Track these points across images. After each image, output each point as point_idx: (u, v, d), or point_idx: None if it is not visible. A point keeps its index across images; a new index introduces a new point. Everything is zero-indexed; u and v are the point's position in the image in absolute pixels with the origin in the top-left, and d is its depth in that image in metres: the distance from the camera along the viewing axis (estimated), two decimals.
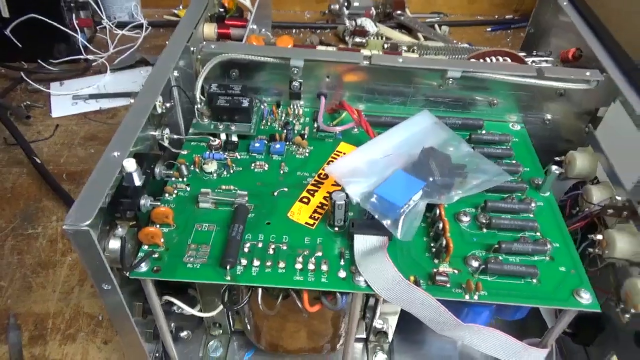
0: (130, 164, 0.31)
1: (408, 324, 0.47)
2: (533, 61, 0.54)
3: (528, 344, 0.36)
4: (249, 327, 0.43)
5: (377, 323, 0.45)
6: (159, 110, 0.39)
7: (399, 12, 1.03)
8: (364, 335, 0.47)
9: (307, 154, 0.43)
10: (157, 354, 0.42)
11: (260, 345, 0.43)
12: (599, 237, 0.39)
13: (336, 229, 0.37)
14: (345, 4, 1.00)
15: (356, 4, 1.00)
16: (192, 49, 0.46)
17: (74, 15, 0.85)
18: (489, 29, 1.07)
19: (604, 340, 0.42)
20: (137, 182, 0.32)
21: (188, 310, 0.38)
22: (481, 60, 0.50)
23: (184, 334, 0.43)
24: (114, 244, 0.31)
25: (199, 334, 0.46)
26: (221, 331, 0.46)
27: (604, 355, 0.43)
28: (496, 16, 1.11)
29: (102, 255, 0.29)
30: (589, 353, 0.45)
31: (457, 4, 1.11)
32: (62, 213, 0.59)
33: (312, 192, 0.40)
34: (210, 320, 0.45)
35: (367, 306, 0.44)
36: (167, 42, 0.93)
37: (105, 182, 0.31)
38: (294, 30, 1.01)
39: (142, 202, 0.32)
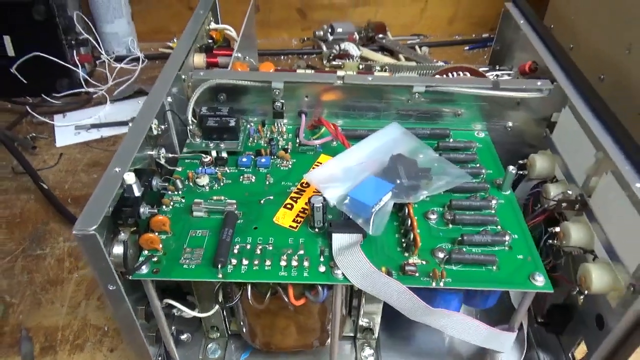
0: (130, 177, 0.36)
1: (394, 322, 0.51)
2: (496, 75, 0.59)
3: (499, 329, 0.40)
4: (244, 329, 0.46)
5: (363, 321, 0.48)
6: (155, 132, 0.44)
7: (380, 35, 1.09)
8: (352, 334, 0.51)
9: (290, 166, 0.48)
10: (159, 357, 0.45)
11: (255, 344, 0.47)
12: (557, 229, 0.43)
13: (316, 230, 0.41)
14: (330, 30, 1.07)
15: (339, 29, 1.07)
16: (183, 76, 0.51)
17: (74, 52, 0.90)
18: (467, 48, 1.13)
19: (574, 328, 0.46)
20: (137, 192, 0.36)
21: (187, 311, 0.42)
22: (444, 76, 0.55)
23: (184, 336, 0.47)
24: (118, 249, 0.35)
25: (198, 337, 0.49)
26: (219, 334, 0.49)
27: (574, 342, 0.46)
28: (473, 35, 1.18)
29: (107, 258, 0.34)
30: (562, 341, 0.48)
31: (436, 25, 1.17)
32: (68, 234, 0.63)
33: (295, 199, 0.44)
34: (208, 323, 0.48)
35: (352, 306, 0.48)
36: None
37: (108, 193, 0.35)
38: (282, 57, 1.07)
39: (142, 210, 0.37)
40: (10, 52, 0.86)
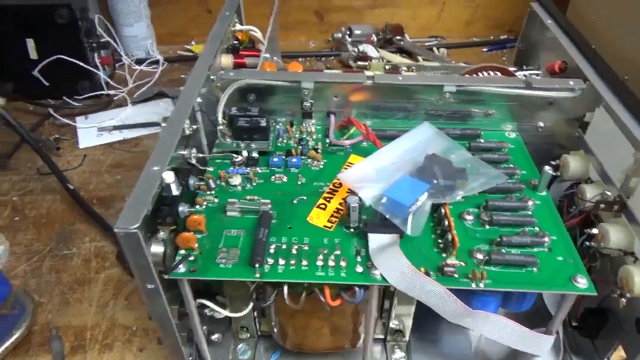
0: (169, 176, 0.36)
1: (424, 324, 0.50)
2: (524, 75, 0.59)
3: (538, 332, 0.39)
4: (275, 329, 0.46)
5: (394, 324, 0.48)
6: (187, 132, 0.44)
7: (398, 37, 1.09)
8: (382, 336, 0.50)
9: (321, 166, 0.47)
10: (190, 357, 0.45)
11: (286, 345, 0.47)
12: (595, 231, 0.42)
13: (352, 229, 0.40)
14: (348, 32, 1.07)
15: (358, 32, 1.07)
16: (212, 77, 0.51)
17: (96, 55, 0.91)
18: (485, 49, 1.13)
19: (610, 332, 0.45)
20: (175, 191, 0.36)
21: (220, 311, 0.41)
22: (474, 76, 0.54)
23: (215, 336, 0.46)
24: (157, 248, 0.35)
25: (227, 338, 0.49)
26: (248, 334, 0.49)
27: (610, 346, 0.45)
28: (491, 37, 1.17)
29: (148, 256, 0.33)
30: (596, 346, 0.47)
31: (453, 27, 1.16)
32: (94, 234, 0.63)
33: (328, 199, 0.44)
34: (238, 324, 0.48)
35: (383, 308, 0.48)
36: (182, 76, 0.99)
37: (147, 192, 0.35)
38: (300, 59, 1.07)
39: (180, 209, 0.36)
40: (33, 55, 0.87)
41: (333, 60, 1.07)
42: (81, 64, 0.87)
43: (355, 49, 0.96)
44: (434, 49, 1.09)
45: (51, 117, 0.85)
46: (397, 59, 1.02)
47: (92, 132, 0.82)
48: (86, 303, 0.54)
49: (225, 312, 0.42)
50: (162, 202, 0.36)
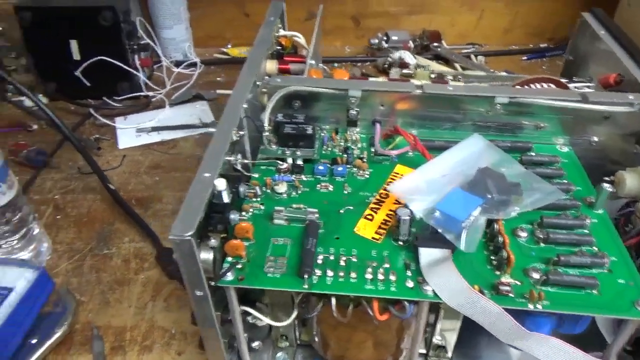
0: (220, 183, 0.36)
1: (465, 340, 0.49)
2: (575, 87, 0.57)
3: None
4: (316, 339, 0.45)
5: (436, 339, 0.47)
6: (234, 138, 0.44)
7: (435, 44, 1.07)
8: (424, 351, 0.49)
9: (367, 176, 0.47)
10: None
11: (326, 356, 0.46)
12: None
13: (401, 242, 0.39)
14: (385, 38, 1.06)
15: (395, 37, 1.06)
16: (258, 83, 0.50)
17: (136, 56, 0.92)
18: (525, 58, 1.10)
19: None
20: (226, 199, 0.36)
21: (264, 319, 0.41)
22: (526, 87, 0.53)
23: (255, 344, 0.46)
24: (206, 255, 0.35)
25: (266, 346, 0.48)
26: (287, 343, 0.48)
27: None
28: (531, 45, 1.14)
29: (200, 264, 0.33)
30: None
31: (491, 35, 1.14)
32: (133, 235, 0.63)
33: (375, 209, 0.43)
34: (278, 332, 0.48)
35: (427, 322, 0.46)
36: (218, 79, 1.00)
37: (201, 198, 0.35)
38: (335, 64, 1.07)
39: (232, 216, 0.36)
40: (76, 56, 0.89)
41: (369, 65, 1.06)
42: (122, 65, 0.89)
43: (391, 57, 0.95)
44: (472, 56, 1.07)
45: (92, 117, 0.86)
46: (434, 65, 1.01)
47: (131, 132, 0.83)
48: (126, 304, 0.55)
49: (269, 320, 0.41)
50: (214, 209, 0.35)
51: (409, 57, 0.99)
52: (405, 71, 0.67)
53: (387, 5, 1.11)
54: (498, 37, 1.15)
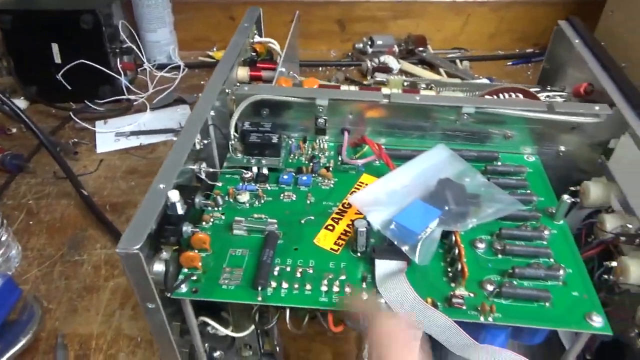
0: (174, 195, 0.35)
1: (433, 348, 0.49)
2: (547, 96, 0.57)
3: None
4: (277, 349, 0.45)
5: None
6: (197, 147, 0.44)
7: (420, 49, 1.07)
8: None
9: (332, 185, 0.46)
10: None
11: None
12: (614, 264, 0.41)
13: (359, 254, 0.39)
14: (369, 42, 1.06)
15: (379, 42, 1.06)
16: (227, 90, 0.50)
17: (118, 60, 0.92)
18: (510, 63, 1.10)
19: None
20: (180, 211, 0.36)
21: (222, 330, 0.41)
22: (495, 97, 0.53)
23: (217, 354, 0.46)
24: (159, 267, 0.35)
25: (230, 355, 0.48)
26: (251, 352, 0.48)
27: None
28: (516, 50, 1.14)
29: (149, 276, 0.33)
30: None
31: (477, 40, 1.14)
32: (105, 241, 0.63)
33: (336, 220, 0.43)
34: (241, 341, 0.47)
35: None
36: (202, 82, 1.00)
37: (152, 211, 0.35)
38: (320, 68, 1.07)
39: (184, 228, 0.36)
40: (57, 59, 0.89)
41: (353, 70, 1.06)
42: (104, 69, 0.89)
43: (375, 61, 0.95)
44: (457, 61, 1.07)
45: (71, 120, 0.86)
46: (418, 70, 1.01)
47: (110, 137, 0.83)
48: (93, 311, 0.55)
49: (227, 331, 0.41)
50: (167, 221, 0.35)
51: (392, 62, 0.99)
52: (378, 79, 0.67)
53: (373, 9, 1.11)
54: (484, 42, 1.15)
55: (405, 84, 0.59)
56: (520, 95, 0.52)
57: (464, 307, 0.35)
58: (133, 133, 0.83)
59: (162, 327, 0.37)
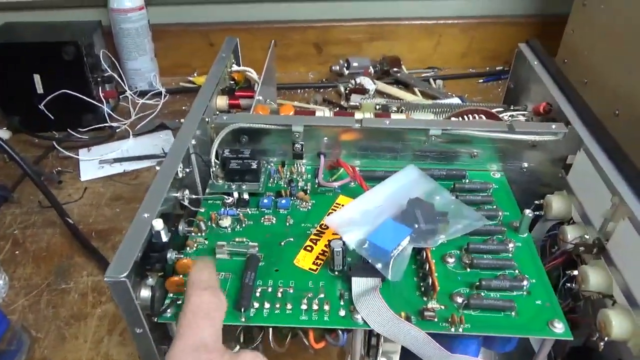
0: (158, 224, 0.37)
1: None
2: (510, 115, 0.60)
3: None
4: None
5: None
6: (180, 175, 0.46)
7: (395, 69, 1.11)
8: None
9: (309, 207, 0.49)
10: None
11: None
12: (575, 272, 0.43)
13: (336, 273, 0.42)
14: (345, 64, 1.09)
15: (355, 64, 1.09)
16: (207, 119, 0.53)
17: (100, 88, 0.94)
18: (481, 81, 1.15)
19: None
20: (164, 238, 0.38)
21: None
22: (460, 118, 0.56)
23: None
24: (145, 293, 0.37)
25: None
26: None
27: None
28: (487, 68, 1.19)
29: (136, 302, 0.35)
30: None
31: (450, 59, 1.19)
32: (91, 268, 0.64)
33: (314, 240, 0.45)
34: None
35: (370, 345, 0.48)
36: (183, 107, 1.02)
37: (137, 240, 0.36)
38: (299, 90, 1.10)
39: (169, 255, 0.38)
40: (40, 89, 0.90)
41: (331, 91, 1.09)
42: (86, 98, 0.90)
43: (352, 83, 0.98)
44: (431, 80, 1.12)
45: (55, 149, 0.87)
46: (393, 91, 1.05)
47: (93, 164, 0.85)
48: (82, 339, 0.56)
49: None
50: (152, 248, 0.37)
51: (368, 83, 1.03)
52: (352, 103, 0.70)
53: (348, 32, 1.15)
54: (456, 61, 1.19)
55: (378, 107, 0.62)
56: (483, 117, 0.55)
57: (436, 320, 0.38)
58: (116, 160, 0.85)
59: (150, 351, 0.38)
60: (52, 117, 0.91)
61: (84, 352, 0.54)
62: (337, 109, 0.85)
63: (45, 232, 0.70)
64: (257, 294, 0.40)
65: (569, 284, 0.44)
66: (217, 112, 0.58)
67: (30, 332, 0.56)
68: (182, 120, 0.95)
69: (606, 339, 0.39)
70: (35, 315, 0.58)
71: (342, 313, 0.38)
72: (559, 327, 0.37)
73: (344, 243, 0.41)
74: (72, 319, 0.58)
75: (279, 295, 0.40)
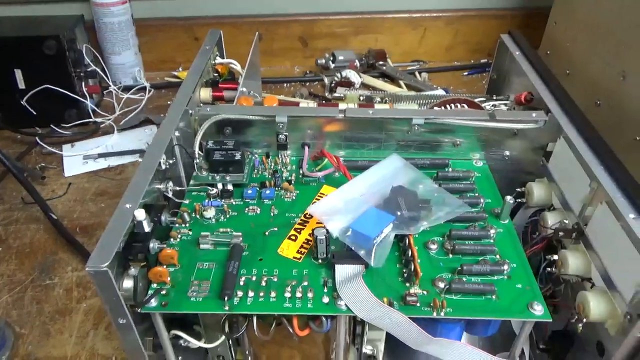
0: (140, 214, 0.37)
1: (397, 349, 0.51)
2: (493, 105, 0.61)
3: (499, 357, 0.41)
4: (249, 358, 0.47)
5: (367, 349, 0.49)
6: (163, 167, 0.46)
7: (381, 62, 1.11)
8: None
9: (294, 197, 0.49)
10: None
11: None
12: (555, 257, 0.44)
13: (320, 261, 0.42)
14: (331, 58, 1.09)
15: (341, 57, 1.09)
16: (190, 111, 0.53)
17: (83, 83, 0.93)
18: (466, 73, 1.16)
19: (576, 354, 0.46)
20: (147, 229, 0.38)
21: (193, 342, 0.42)
22: (442, 108, 0.56)
23: None
24: (128, 283, 0.37)
25: None
26: None
27: None
28: (472, 61, 1.20)
29: (118, 293, 0.35)
30: None
31: (435, 52, 1.20)
32: (76, 263, 0.64)
33: (299, 230, 0.45)
34: (214, 353, 0.49)
35: (355, 333, 0.49)
36: (168, 102, 1.01)
37: (119, 230, 0.36)
38: (285, 85, 1.10)
39: (151, 245, 0.38)
40: (21, 84, 0.89)
41: (317, 85, 1.09)
42: (69, 93, 0.89)
43: (337, 76, 0.99)
44: (416, 73, 1.12)
45: (38, 145, 0.86)
46: (379, 84, 1.05)
47: (77, 160, 0.84)
48: (67, 334, 0.55)
49: (199, 343, 0.43)
50: (134, 239, 0.37)
51: (354, 76, 1.03)
52: (336, 94, 0.70)
53: (334, 26, 1.15)
54: (441, 54, 1.20)
55: (361, 98, 0.62)
56: (465, 106, 0.56)
57: (418, 304, 0.38)
58: (101, 155, 0.84)
59: (135, 343, 0.38)
60: (35, 113, 0.90)
61: (69, 347, 0.54)
62: (323, 101, 0.85)
63: (28, 228, 0.69)
64: (241, 283, 0.40)
65: (549, 269, 0.45)
66: (201, 104, 0.58)
67: (14, 328, 0.55)
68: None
69: (585, 320, 0.39)
70: (19, 311, 0.58)
71: (326, 300, 0.39)
72: (539, 309, 0.38)
73: (327, 231, 0.41)
74: (57, 314, 0.58)
75: (263, 283, 0.40)
